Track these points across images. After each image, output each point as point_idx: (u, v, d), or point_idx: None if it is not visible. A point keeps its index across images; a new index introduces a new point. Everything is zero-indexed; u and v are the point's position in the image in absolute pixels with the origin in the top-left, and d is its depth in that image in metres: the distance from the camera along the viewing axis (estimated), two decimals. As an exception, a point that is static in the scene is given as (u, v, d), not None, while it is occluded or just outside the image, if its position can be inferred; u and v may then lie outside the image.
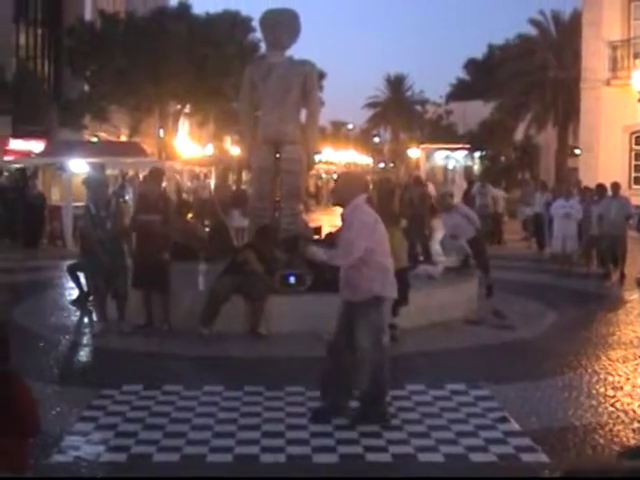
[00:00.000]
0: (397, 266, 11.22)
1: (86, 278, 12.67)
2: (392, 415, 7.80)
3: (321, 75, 38.74)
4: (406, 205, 19.07)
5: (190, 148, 50.43)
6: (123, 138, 43.77)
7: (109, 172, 23.99)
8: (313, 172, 45.45)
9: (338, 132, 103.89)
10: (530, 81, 41.67)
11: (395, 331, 11.03)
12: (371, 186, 22.94)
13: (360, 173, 11.55)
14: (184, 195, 32.25)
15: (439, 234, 15.67)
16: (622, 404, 8.17)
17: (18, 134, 33.20)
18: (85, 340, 11.36)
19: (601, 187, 18.83)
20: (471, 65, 71.09)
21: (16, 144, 32.69)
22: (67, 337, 11.52)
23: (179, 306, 11.57)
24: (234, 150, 48.99)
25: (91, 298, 12.48)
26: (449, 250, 15.16)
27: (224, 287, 11.25)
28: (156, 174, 12.72)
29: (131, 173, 31.15)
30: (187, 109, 44.56)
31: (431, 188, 35.27)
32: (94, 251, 11.44)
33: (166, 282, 11.53)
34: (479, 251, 14.53)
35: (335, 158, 77.69)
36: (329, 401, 7.82)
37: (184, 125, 50.32)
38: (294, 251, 11.96)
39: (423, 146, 58.16)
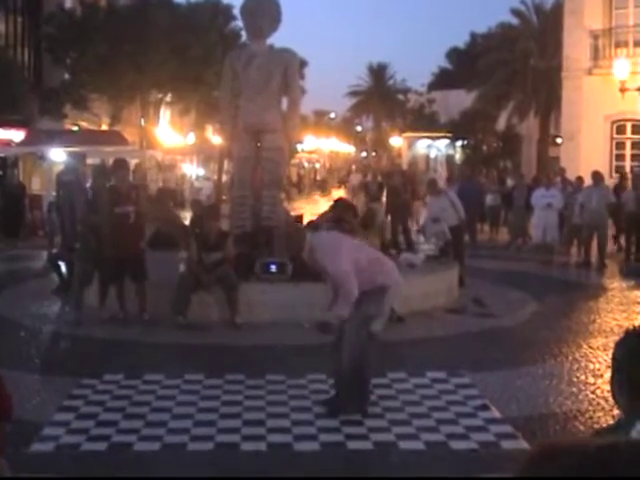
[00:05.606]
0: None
1: (77, 261, 12.51)
2: (372, 403, 7.82)
3: (303, 63, 38.71)
4: (390, 193, 19.05)
5: (171, 137, 50.17)
6: (104, 127, 43.48)
7: (90, 161, 23.83)
8: (295, 161, 45.53)
9: (320, 121, 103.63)
10: (512, 70, 41.73)
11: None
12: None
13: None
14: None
15: (421, 219, 15.75)
16: (602, 391, 8.20)
17: (-3, 123, 32.90)
18: (65, 329, 11.28)
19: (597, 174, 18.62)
20: (453, 54, 71.13)
21: (-5, 133, 32.39)
22: (47, 326, 11.48)
23: (158, 295, 11.52)
24: (215, 139, 48.84)
25: (71, 287, 12.37)
26: (429, 234, 15.20)
27: (192, 275, 11.24)
28: (121, 165, 12.15)
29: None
30: (168, 98, 44.31)
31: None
32: (87, 236, 11.47)
33: (143, 271, 11.49)
34: (458, 241, 14.69)
35: (317, 147, 77.54)
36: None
37: (165, 114, 50.07)
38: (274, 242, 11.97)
39: (405, 135, 58.21)
